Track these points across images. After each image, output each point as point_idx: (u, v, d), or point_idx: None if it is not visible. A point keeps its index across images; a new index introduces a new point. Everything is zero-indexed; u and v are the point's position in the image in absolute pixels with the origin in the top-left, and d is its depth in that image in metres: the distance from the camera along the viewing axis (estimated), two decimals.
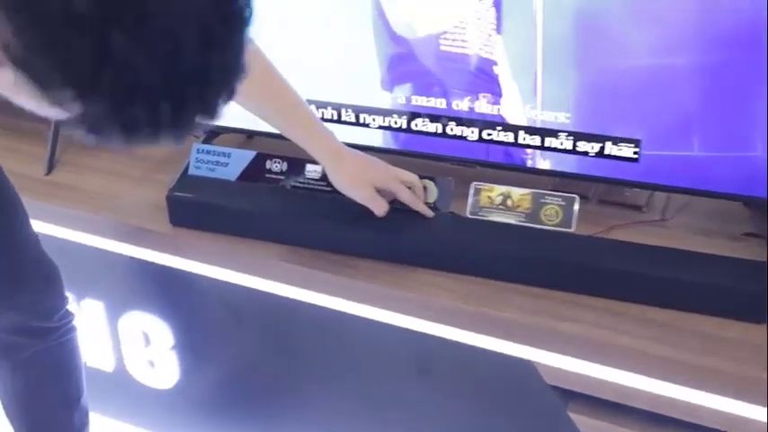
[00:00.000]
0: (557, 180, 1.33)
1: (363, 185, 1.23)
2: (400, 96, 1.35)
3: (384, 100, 1.36)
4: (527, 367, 1.18)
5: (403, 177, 1.25)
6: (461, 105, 1.31)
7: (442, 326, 1.23)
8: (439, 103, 1.32)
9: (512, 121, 1.29)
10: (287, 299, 1.35)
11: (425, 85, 1.32)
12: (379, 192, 1.24)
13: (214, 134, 1.49)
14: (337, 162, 1.22)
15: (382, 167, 1.24)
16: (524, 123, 1.28)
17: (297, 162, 1.33)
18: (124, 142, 0.65)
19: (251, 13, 0.66)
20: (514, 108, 1.28)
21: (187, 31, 0.62)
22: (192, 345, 1.57)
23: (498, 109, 1.29)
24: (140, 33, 0.60)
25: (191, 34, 0.62)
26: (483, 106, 1.30)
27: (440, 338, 1.24)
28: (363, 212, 1.24)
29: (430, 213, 1.26)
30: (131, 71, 0.61)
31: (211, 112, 0.67)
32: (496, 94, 1.28)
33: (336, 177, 1.23)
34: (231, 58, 0.66)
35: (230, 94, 0.67)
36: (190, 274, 1.43)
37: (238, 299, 1.43)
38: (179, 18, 0.62)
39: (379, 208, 1.24)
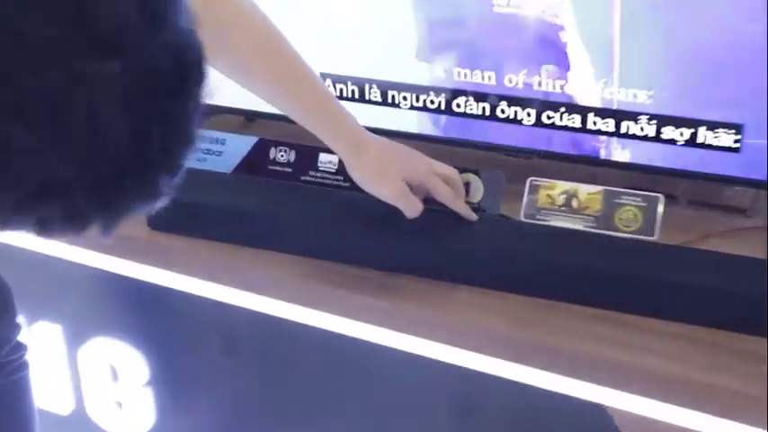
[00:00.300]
0: (636, 175, 1.30)
1: (392, 180, 1.19)
2: (440, 69, 1.32)
3: (419, 74, 1.34)
4: (597, 412, 1.16)
5: (440, 170, 1.21)
6: (517, 81, 1.29)
7: (488, 358, 1.19)
8: (488, 78, 1.31)
9: (581, 100, 1.26)
10: (293, 323, 1.32)
11: (472, 56, 1.31)
12: (411, 188, 1.20)
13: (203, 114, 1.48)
14: (359, 152, 1.19)
15: (415, 158, 1.21)
16: (597, 104, 1.26)
17: (308, 151, 1.30)
18: (39, 235, 0.66)
19: (203, 71, 0.65)
20: (585, 84, 1.25)
21: (114, 114, 0.61)
22: (172, 380, 1.55)
23: (563, 85, 1.27)
24: (50, 127, 0.59)
25: (119, 116, 0.61)
26: (544, 82, 1.28)
27: (485, 374, 1.21)
28: (390, 214, 1.22)
29: (473, 216, 1.23)
30: (41, 167, 0.61)
31: (152, 195, 0.67)
32: (563, 66, 1.25)
33: (358, 171, 1.20)
34: (179, 130, 0.65)
35: (176, 171, 0.67)
36: (172, 290, 1.41)
37: (232, 322, 1.42)
38: (103, 100, 0.60)
39: (412, 208, 1.20)
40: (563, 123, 1.29)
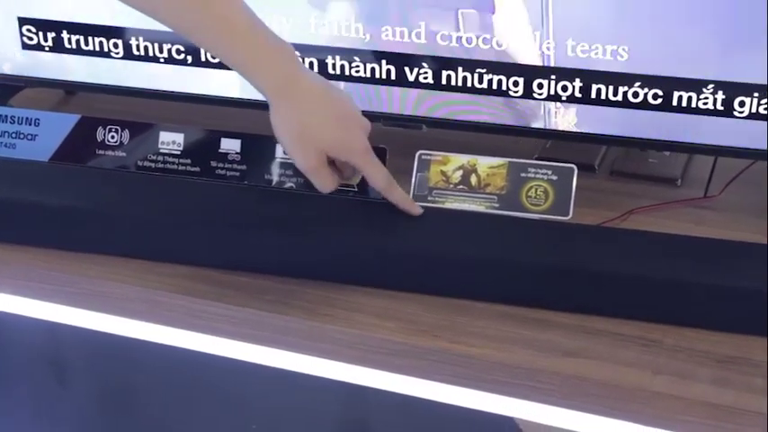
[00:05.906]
0: (547, 144, 1.34)
1: (313, 149, 1.17)
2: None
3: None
4: (507, 427, 1.19)
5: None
6: (400, 31, 1.32)
7: (377, 371, 1.19)
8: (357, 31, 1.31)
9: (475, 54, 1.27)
10: (139, 342, 1.30)
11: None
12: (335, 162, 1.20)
13: (11, 89, 1.46)
14: (285, 93, 1.16)
15: (352, 129, 1.19)
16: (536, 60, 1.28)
17: (145, 129, 1.30)
18: None
19: None
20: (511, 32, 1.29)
21: None
22: None
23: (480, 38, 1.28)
24: None
25: None
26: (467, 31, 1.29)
27: (378, 390, 1.22)
28: (251, 202, 1.24)
29: (418, 209, 1.23)
30: None
31: None
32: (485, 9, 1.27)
33: (277, 120, 1.17)
34: None
35: None
36: None
37: (61, 346, 1.39)
38: None
39: (326, 184, 1.20)
40: (458, 83, 1.29)
